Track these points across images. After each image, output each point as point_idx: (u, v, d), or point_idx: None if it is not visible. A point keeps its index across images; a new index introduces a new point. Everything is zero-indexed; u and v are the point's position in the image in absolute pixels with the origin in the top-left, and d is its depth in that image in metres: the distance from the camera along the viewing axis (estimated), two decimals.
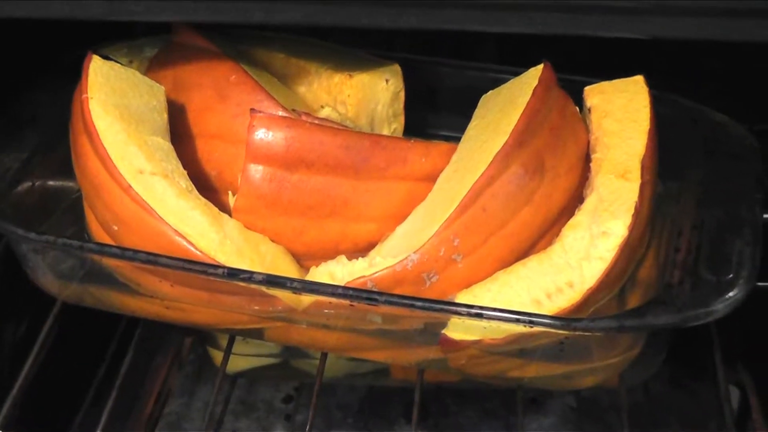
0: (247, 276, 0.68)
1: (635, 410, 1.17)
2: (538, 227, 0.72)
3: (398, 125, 0.85)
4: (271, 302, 0.71)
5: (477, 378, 0.78)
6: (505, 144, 0.71)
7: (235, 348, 0.95)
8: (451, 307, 0.67)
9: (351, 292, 0.67)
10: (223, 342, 0.97)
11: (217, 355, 0.99)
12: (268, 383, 1.21)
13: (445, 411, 1.18)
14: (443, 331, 0.69)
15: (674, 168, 0.78)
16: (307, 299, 0.70)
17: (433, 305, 0.67)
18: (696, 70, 0.99)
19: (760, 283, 1.01)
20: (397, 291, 0.69)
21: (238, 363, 0.99)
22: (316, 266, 0.72)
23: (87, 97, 0.73)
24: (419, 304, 0.67)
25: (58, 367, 1.00)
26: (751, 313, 1.09)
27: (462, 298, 0.69)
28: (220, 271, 0.68)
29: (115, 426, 1.05)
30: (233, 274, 0.68)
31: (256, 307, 0.71)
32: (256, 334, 0.77)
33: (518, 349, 0.70)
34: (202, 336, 0.99)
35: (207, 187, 0.76)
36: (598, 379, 0.76)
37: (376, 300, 0.67)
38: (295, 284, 0.68)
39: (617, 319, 0.66)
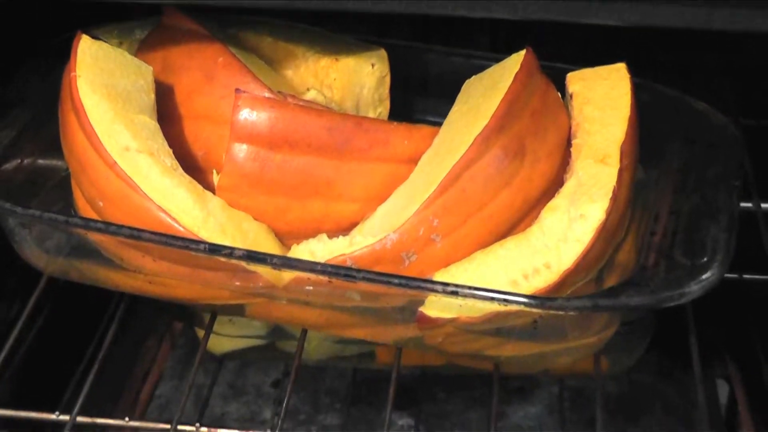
0: (228, 251, 0.69)
1: (620, 399, 1.18)
2: (517, 210, 0.73)
3: (383, 109, 0.86)
4: (252, 278, 0.72)
5: (454, 356, 0.79)
6: (485, 127, 0.72)
7: (222, 329, 0.97)
8: (427, 285, 0.68)
9: (329, 269, 0.68)
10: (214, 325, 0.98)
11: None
12: (257, 368, 1.22)
13: (433, 398, 1.19)
14: (420, 309, 0.70)
15: (654, 155, 0.79)
16: (287, 276, 0.71)
17: (409, 282, 0.68)
18: (680, 62, 1.00)
19: (746, 275, 1.04)
20: (376, 269, 0.70)
21: (224, 344, 1.00)
22: (298, 245, 0.73)
23: (75, 76, 0.74)
24: (396, 281, 0.68)
25: (48, 345, 1.01)
26: (738, 306, 1.11)
27: (439, 277, 0.70)
28: (201, 246, 0.69)
29: (105, 408, 1.06)
30: (214, 249, 0.69)
31: (238, 283, 0.72)
32: (238, 311, 0.78)
33: (494, 328, 0.71)
34: (189, 316, 0.99)
35: (193, 167, 0.77)
36: (573, 359, 0.77)
37: (354, 277, 0.68)
38: (275, 260, 0.69)
39: (591, 299, 0.67)
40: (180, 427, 0.77)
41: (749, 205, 0.86)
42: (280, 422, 0.75)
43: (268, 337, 0.99)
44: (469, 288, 0.67)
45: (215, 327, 0.95)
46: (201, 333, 1.00)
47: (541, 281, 0.70)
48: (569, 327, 0.71)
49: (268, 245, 0.73)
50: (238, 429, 0.82)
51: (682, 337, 1.07)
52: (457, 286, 0.67)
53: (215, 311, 0.85)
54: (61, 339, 1.03)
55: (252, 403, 1.20)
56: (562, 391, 1.14)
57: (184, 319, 1.11)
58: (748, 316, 1.12)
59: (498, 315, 0.69)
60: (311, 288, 0.71)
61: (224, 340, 0.99)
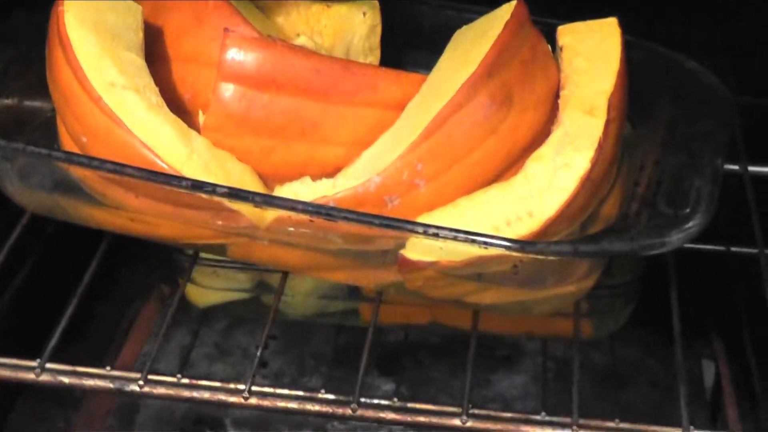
0: (210, 188, 0.69)
1: (606, 374, 1.18)
2: (503, 159, 0.73)
3: (374, 59, 0.86)
4: (234, 218, 0.71)
5: (435, 302, 0.79)
6: (473, 73, 0.71)
7: (206, 281, 0.97)
8: (407, 226, 0.67)
9: (311, 208, 0.68)
10: (197, 276, 0.98)
11: (190, 289, 1.00)
12: (244, 330, 1.22)
13: (418, 364, 1.18)
14: (401, 252, 0.70)
15: (643, 112, 0.79)
16: (269, 216, 0.71)
17: (390, 223, 0.67)
18: (676, 38, 1.00)
19: (734, 248, 1.03)
20: None
21: (208, 296, 1.00)
22: (281, 186, 0.73)
23: (63, 10, 0.74)
24: (377, 221, 0.67)
25: (33, 294, 1.01)
26: (725, 282, 1.10)
27: (422, 220, 0.70)
28: (184, 183, 0.69)
29: (90, 363, 1.06)
30: (197, 186, 0.69)
31: (220, 223, 0.72)
32: (219, 251, 0.78)
33: (475, 273, 0.71)
34: (175, 270, 0.99)
35: (181, 109, 0.77)
36: (553, 308, 0.77)
37: (334, 216, 0.68)
38: (256, 198, 0.69)
39: (571, 244, 0.66)
40: (161, 378, 0.76)
41: (736, 167, 0.85)
42: (254, 369, 0.74)
43: (253, 290, 0.99)
44: (450, 230, 0.67)
45: (199, 279, 0.96)
46: (187, 286, 1.00)
47: (523, 228, 0.69)
48: (549, 273, 0.71)
49: (252, 186, 0.73)
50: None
51: (669, 312, 1.07)
52: (438, 228, 0.67)
53: (197, 251, 0.84)
54: (46, 288, 1.03)
55: (237, 364, 1.20)
56: (546, 361, 1.14)
57: (170, 276, 1.10)
58: (735, 293, 1.12)
59: (479, 259, 0.68)
60: (293, 229, 0.71)
61: (208, 292, 0.98)
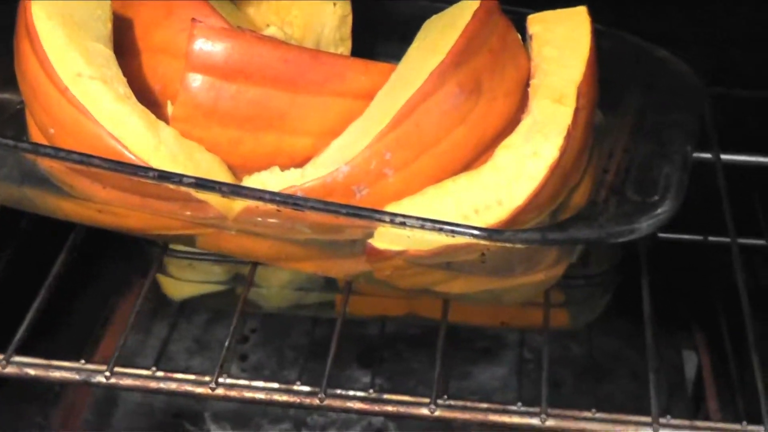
0: (177, 179, 0.68)
1: (585, 364, 1.18)
2: (472, 148, 0.73)
3: (345, 50, 0.85)
4: (202, 209, 0.71)
5: (404, 291, 0.78)
6: (441, 62, 0.71)
7: (182, 274, 0.97)
8: (375, 215, 0.67)
9: (278, 198, 0.68)
10: (173, 269, 0.98)
11: (166, 282, 1.00)
12: (223, 324, 1.22)
13: (398, 357, 1.18)
14: (369, 241, 0.69)
15: (614, 101, 0.79)
16: (237, 207, 0.70)
17: (357, 212, 0.67)
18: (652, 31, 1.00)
19: (711, 238, 1.03)
20: None
21: (183, 289, 0.99)
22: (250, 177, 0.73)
23: (30, 2, 0.74)
24: (344, 210, 0.67)
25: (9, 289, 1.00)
26: (704, 272, 1.10)
27: (389, 209, 0.70)
28: (150, 173, 0.69)
29: (69, 357, 1.05)
30: (164, 176, 0.69)
31: (188, 213, 0.72)
32: (189, 242, 0.77)
33: (443, 262, 0.70)
34: (149, 263, 0.99)
35: (151, 102, 0.76)
36: (523, 297, 0.77)
37: (302, 206, 0.67)
38: (224, 188, 0.68)
39: (539, 232, 0.66)
40: (128, 370, 0.76)
41: (708, 156, 0.85)
42: (222, 360, 0.74)
43: (228, 283, 0.99)
44: (417, 219, 0.66)
45: (175, 271, 0.96)
46: (162, 279, 1.00)
47: (491, 217, 0.69)
48: (518, 262, 0.71)
49: (221, 176, 0.73)
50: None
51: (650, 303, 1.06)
52: (405, 216, 0.67)
53: (167, 242, 0.84)
54: (22, 283, 1.02)
55: (216, 358, 1.18)
56: (523, 352, 1.14)
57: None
58: (712, 283, 1.11)
59: (447, 249, 0.68)
60: (261, 219, 0.71)
61: (184, 285, 0.98)
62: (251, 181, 0.72)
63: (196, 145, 0.73)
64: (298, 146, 0.74)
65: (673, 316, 1.20)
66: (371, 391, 0.74)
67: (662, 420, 0.71)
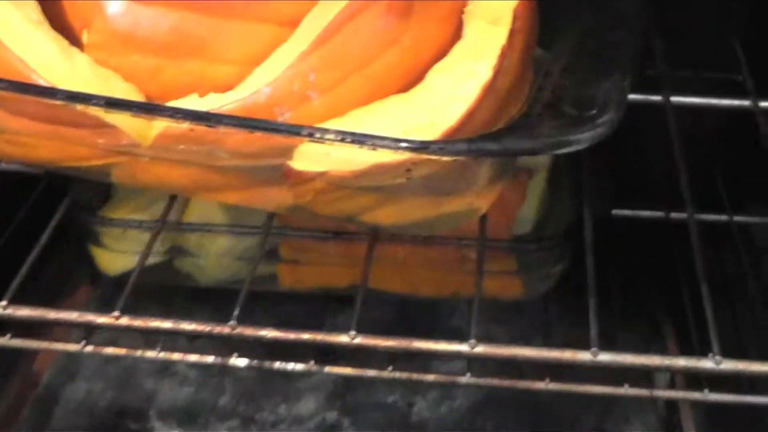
0: (86, 98, 0.64)
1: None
2: (404, 72, 0.69)
3: None
4: (115, 135, 0.67)
5: (330, 219, 0.74)
6: None
7: (115, 244, 0.92)
8: (292, 129, 0.63)
9: (191, 115, 0.64)
10: (105, 239, 0.93)
11: (100, 255, 0.95)
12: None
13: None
14: (288, 162, 0.65)
15: (555, 26, 0.75)
16: (153, 132, 0.66)
17: (274, 126, 0.63)
18: None
19: (673, 214, 0.99)
20: None
21: (118, 262, 0.95)
22: None
23: None
24: (260, 125, 0.63)
25: None
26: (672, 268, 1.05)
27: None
28: (58, 94, 0.65)
29: None
30: (72, 96, 0.65)
31: (101, 141, 0.68)
32: (104, 174, 0.73)
33: (368, 186, 0.66)
34: (82, 234, 0.94)
35: (67, 29, 0.72)
36: (457, 223, 0.72)
37: (215, 122, 0.63)
38: (134, 108, 0.64)
39: (468, 142, 0.62)
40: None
41: (658, 98, 0.81)
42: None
43: (165, 254, 0.94)
44: (338, 132, 0.62)
45: (108, 242, 0.91)
46: (95, 251, 0.96)
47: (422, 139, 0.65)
48: (447, 181, 0.66)
49: None
50: None
51: (621, 303, 1.02)
52: (324, 130, 0.62)
53: (82, 176, 0.79)
54: None
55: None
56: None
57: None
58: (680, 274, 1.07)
59: (370, 169, 0.64)
60: (178, 146, 0.66)
61: (118, 257, 0.94)
62: None
63: (111, 73, 0.69)
64: (221, 75, 0.70)
65: (645, 315, 1.16)
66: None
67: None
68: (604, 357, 0.66)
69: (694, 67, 0.98)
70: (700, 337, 0.96)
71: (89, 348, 0.80)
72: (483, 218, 0.79)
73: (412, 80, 0.69)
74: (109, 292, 1.10)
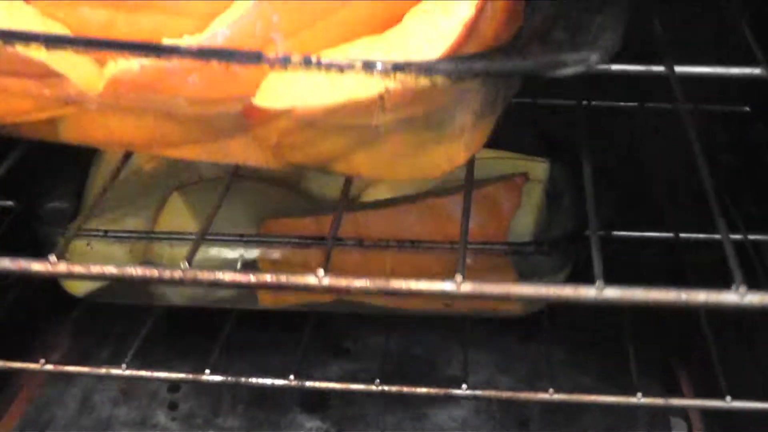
0: (25, 37, 0.58)
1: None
2: (378, 19, 0.63)
3: None
4: (61, 85, 0.61)
5: (298, 166, 0.66)
6: None
7: (80, 260, 0.85)
8: (251, 55, 0.56)
9: (141, 48, 0.57)
10: (72, 256, 0.86)
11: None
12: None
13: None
14: (249, 100, 0.58)
15: None
16: (101, 81, 0.60)
17: (230, 54, 0.56)
18: None
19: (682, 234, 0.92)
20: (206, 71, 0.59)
21: (84, 282, 0.87)
22: None
23: None
24: (218, 54, 0.56)
25: None
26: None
27: (276, 76, 0.59)
28: None
29: None
30: (9, 35, 0.58)
31: (47, 92, 0.62)
32: (51, 134, 0.66)
33: (338, 125, 0.59)
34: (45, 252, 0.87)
35: None
36: (441, 171, 0.65)
37: (168, 51, 0.57)
38: (78, 43, 0.58)
39: (454, 61, 0.55)
40: None
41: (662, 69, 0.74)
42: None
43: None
44: (302, 58, 0.55)
45: (71, 256, 0.84)
46: None
47: (398, 83, 0.58)
48: (424, 120, 0.59)
49: (88, 62, 0.63)
50: None
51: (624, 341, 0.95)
52: (286, 57, 0.56)
53: (26, 135, 0.72)
54: None
55: (145, 407, 1.06)
56: None
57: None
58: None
59: (339, 107, 0.57)
60: (129, 93, 0.60)
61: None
62: (119, 63, 0.62)
63: (60, 26, 0.63)
64: (178, 29, 0.63)
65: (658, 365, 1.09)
66: None
67: None
68: (611, 292, 0.57)
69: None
70: None
71: (48, 367, 0.74)
72: (468, 217, 0.70)
73: (387, 26, 0.63)
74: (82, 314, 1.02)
